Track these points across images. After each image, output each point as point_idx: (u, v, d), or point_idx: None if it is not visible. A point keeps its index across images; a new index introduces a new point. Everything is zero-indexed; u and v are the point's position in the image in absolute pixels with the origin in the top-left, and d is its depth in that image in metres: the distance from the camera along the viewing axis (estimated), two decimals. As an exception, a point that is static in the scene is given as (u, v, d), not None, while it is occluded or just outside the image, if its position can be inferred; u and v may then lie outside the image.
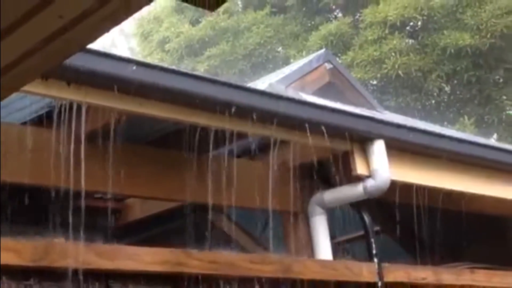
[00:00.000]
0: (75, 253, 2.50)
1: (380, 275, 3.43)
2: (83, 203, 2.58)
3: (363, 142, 3.48)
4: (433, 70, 12.85)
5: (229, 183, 3.12)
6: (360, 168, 3.45)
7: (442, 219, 3.91)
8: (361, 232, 3.78)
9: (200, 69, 13.64)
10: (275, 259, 3.14)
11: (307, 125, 3.15)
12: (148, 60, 12.76)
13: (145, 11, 14.50)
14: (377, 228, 3.96)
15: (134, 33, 16.84)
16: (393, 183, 3.49)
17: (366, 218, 3.63)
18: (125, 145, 2.96)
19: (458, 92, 13.77)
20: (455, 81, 13.42)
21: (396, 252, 4.68)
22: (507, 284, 4.06)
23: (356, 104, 6.40)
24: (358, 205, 3.66)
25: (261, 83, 5.93)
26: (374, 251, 3.53)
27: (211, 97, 2.87)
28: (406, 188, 3.63)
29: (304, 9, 14.77)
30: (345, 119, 3.46)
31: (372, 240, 3.57)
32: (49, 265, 2.49)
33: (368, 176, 3.45)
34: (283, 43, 14.42)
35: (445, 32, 12.85)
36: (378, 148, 3.47)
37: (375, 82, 13.39)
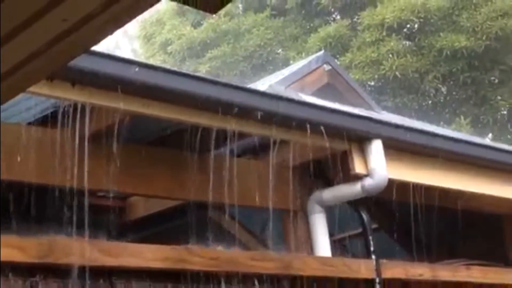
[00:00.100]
0: (79, 250, 2.52)
1: (378, 271, 3.46)
2: (87, 201, 2.62)
3: (361, 141, 3.51)
4: (430, 71, 12.91)
5: (230, 181, 3.16)
6: (358, 167, 3.49)
7: (438, 217, 3.95)
8: (359, 230, 3.83)
9: (202, 71, 13.67)
10: (275, 256, 3.17)
11: (306, 125, 3.18)
12: (151, 61, 12.80)
13: (147, 14, 14.52)
14: (374, 225, 4.01)
15: (137, 35, 16.88)
16: (391, 182, 3.53)
17: (364, 216, 3.67)
18: (128, 144, 2.99)
19: (454, 93, 13.82)
20: (451, 82, 13.47)
21: (393, 249, 4.72)
22: (502, 280, 4.10)
23: (354, 105, 6.45)
24: (356, 203, 3.70)
25: (261, 84, 5.98)
26: (372, 248, 3.57)
27: (212, 97, 2.90)
28: (403, 186, 3.66)
29: (303, 11, 14.81)
30: (343, 119, 3.50)
31: (370, 237, 3.61)
32: (54, 262, 2.51)
33: (366, 175, 3.48)
34: (282, 45, 14.47)
35: (441, 34, 12.91)
36: (376, 147, 3.51)
37: (373, 83, 13.44)
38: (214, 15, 14.15)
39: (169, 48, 14.91)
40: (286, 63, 12.66)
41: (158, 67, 2.93)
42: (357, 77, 12.07)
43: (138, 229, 3.95)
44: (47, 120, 2.88)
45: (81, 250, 2.53)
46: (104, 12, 1.31)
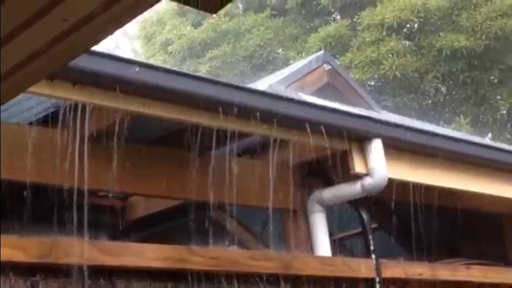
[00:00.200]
0: (80, 250, 2.54)
1: (378, 271, 3.47)
2: (87, 201, 2.63)
3: (361, 141, 3.52)
4: (430, 71, 12.92)
5: (230, 181, 3.17)
6: (358, 166, 3.49)
7: (438, 216, 3.96)
8: (359, 229, 3.84)
9: (202, 70, 13.69)
10: (276, 255, 3.18)
11: (306, 124, 3.19)
12: (151, 61, 12.82)
13: (148, 14, 14.54)
14: (374, 225, 4.01)
15: (138, 35, 16.91)
16: (391, 181, 3.54)
17: (364, 216, 3.68)
18: (129, 144, 3.00)
19: (453, 92, 13.84)
20: (451, 82, 13.49)
21: (393, 248, 4.73)
22: (502, 280, 4.11)
23: (354, 104, 6.46)
24: (356, 203, 3.71)
25: (262, 84, 5.99)
26: (371, 248, 3.58)
27: (212, 97, 2.91)
28: (403, 186, 3.67)
29: (303, 11, 14.83)
30: (343, 119, 3.50)
31: (370, 237, 3.62)
32: (55, 262, 2.52)
33: (366, 175, 3.49)
34: (282, 45, 14.49)
35: (441, 34, 12.93)
36: (376, 147, 3.51)
37: (372, 83, 13.45)
38: (214, 15, 14.18)
39: (169, 48, 14.94)
40: (286, 63, 12.67)
41: (158, 67, 2.94)
42: (357, 77, 12.08)
43: (138, 228, 3.95)
44: (48, 120, 2.89)
45: (82, 249, 2.53)
46: (104, 12, 1.31)
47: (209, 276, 2.89)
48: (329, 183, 3.65)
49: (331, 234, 3.77)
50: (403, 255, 4.45)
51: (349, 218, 4.15)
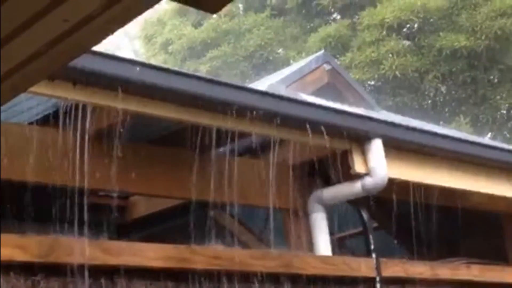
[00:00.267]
0: (81, 249, 2.54)
1: (378, 270, 3.47)
2: (88, 200, 2.63)
3: (361, 141, 3.53)
4: (430, 71, 12.94)
5: (231, 181, 3.17)
6: (358, 166, 3.50)
7: (438, 216, 3.96)
8: (360, 229, 3.85)
9: (202, 70, 13.72)
10: (276, 255, 3.18)
11: (306, 124, 3.19)
12: (152, 61, 12.84)
13: (148, 14, 14.56)
14: (375, 224, 4.02)
15: (138, 36, 16.95)
16: (391, 181, 3.54)
17: (364, 215, 3.69)
18: (129, 144, 3.01)
19: (453, 92, 13.86)
20: (451, 82, 13.50)
21: (393, 247, 4.73)
22: (502, 279, 4.11)
23: (354, 104, 6.46)
24: (356, 202, 3.72)
25: (262, 84, 6.00)
26: (372, 247, 3.59)
27: (213, 97, 2.92)
28: (403, 185, 3.68)
29: (303, 11, 14.85)
30: (343, 119, 3.51)
31: (370, 236, 3.63)
32: (55, 261, 2.52)
33: (366, 174, 3.50)
34: (283, 45, 14.51)
35: (441, 34, 12.94)
36: (376, 146, 3.52)
37: (372, 83, 13.47)
38: (214, 15, 14.21)
39: (169, 48, 14.96)
40: (286, 63, 12.70)
41: (158, 67, 2.94)
42: (357, 76, 12.09)
43: (139, 228, 3.96)
44: (49, 120, 2.90)
45: (83, 249, 2.54)
46: (104, 12, 1.31)
47: (210, 275, 2.90)
48: (329, 182, 3.65)
49: (331, 234, 3.77)
50: (403, 254, 4.45)
51: (349, 218, 4.16)
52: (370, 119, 3.74)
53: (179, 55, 14.75)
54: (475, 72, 13.17)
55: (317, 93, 6.40)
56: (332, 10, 14.83)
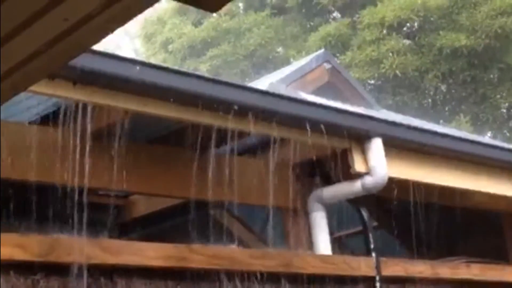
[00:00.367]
0: (81, 248, 2.54)
1: (378, 269, 3.47)
2: (88, 199, 2.63)
3: (361, 140, 3.53)
4: (430, 70, 12.94)
5: (230, 180, 3.17)
6: (358, 165, 3.50)
7: (438, 215, 3.96)
8: (359, 228, 3.85)
9: (203, 69, 13.73)
10: (276, 254, 3.18)
11: (306, 123, 3.19)
12: (152, 60, 12.84)
13: (148, 13, 14.57)
14: (375, 223, 4.02)
15: (138, 34, 16.96)
16: (391, 180, 3.54)
17: (364, 214, 3.69)
18: (129, 143, 3.00)
19: (454, 91, 13.86)
20: (451, 81, 13.51)
21: (393, 247, 4.73)
22: (502, 278, 4.12)
23: (354, 103, 6.46)
24: (356, 201, 3.72)
25: (262, 83, 6.00)
26: (372, 246, 3.59)
27: (213, 96, 2.91)
28: (403, 184, 3.68)
29: (303, 10, 14.85)
30: (343, 118, 3.51)
31: (370, 235, 3.63)
32: (55, 260, 2.52)
33: (366, 173, 3.49)
34: (283, 44, 14.52)
35: (441, 32, 12.94)
36: (376, 145, 3.52)
37: (373, 82, 13.47)
38: (214, 14, 14.22)
39: (170, 47, 14.97)
40: (286, 62, 12.70)
41: (158, 66, 2.94)
42: (357, 75, 12.09)
43: (139, 227, 3.96)
44: (49, 119, 2.89)
45: (82, 248, 2.54)
46: (104, 11, 1.32)
47: (210, 274, 2.90)
48: (329, 181, 3.65)
49: (331, 233, 3.77)
50: (403, 254, 4.45)
51: (349, 217, 4.16)
52: (370, 118, 3.73)
53: (179, 54, 14.75)
54: (475, 71, 13.17)
55: (317, 92, 6.41)
56: (332, 8, 14.83)
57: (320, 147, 3.37)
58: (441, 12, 13.06)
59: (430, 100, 13.98)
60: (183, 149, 3.24)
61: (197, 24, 15.15)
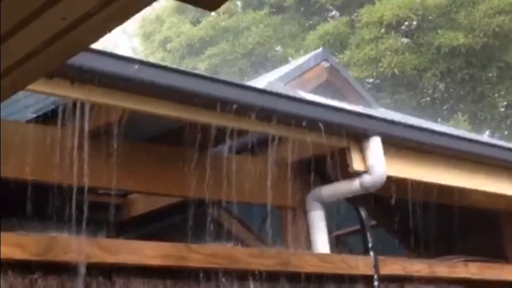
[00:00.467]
0: (79, 247, 2.54)
1: (376, 268, 3.48)
2: (86, 198, 2.63)
3: (360, 138, 3.53)
4: (428, 68, 12.95)
5: (229, 178, 3.17)
6: (356, 164, 3.50)
7: (436, 213, 3.97)
8: (358, 227, 3.85)
9: (201, 68, 13.73)
10: (274, 253, 3.18)
11: (305, 122, 3.19)
12: (150, 59, 12.83)
13: (146, 11, 14.57)
14: (373, 222, 4.02)
15: (137, 33, 16.97)
16: (389, 179, 3.55)
17: (363, 213, 3.69)
18: (128, 142, 3.00)
19: (452, 90, 13.88)
20: (449, 79, 13.52)
21: (391, 246, 4.74)
22: (500, 277, 4.12)
23: (353, 102, 6.47)
24: (354, 200, 3.72)
25: (260, 82, 6.00)
26: (370, 245, 3.59)
27: (211, 95, 2.91)
28: (401, 183, 3.68)
29: (301, 9, 14.85)
30: (342, 117, 3.51)
31: (368, 234, 3.63)
32: (54, 259, 2.52)
33: (365, 172, 3.49)
34: (281, 42, 14.53)
35: (439, 31, 12.95)
36: (374, 144, 3.52)
37: (371, 80, 13.48)
38: (213, 13, 14.22)
39: (168, 46, 14.97)
40: (285, 61, 12.70)
41: (157, 65, 2.94)
42: (355, 74, 12.10)
43: (137, 226, 3.96)
44: (47, 118, 2.89)
45: (80, 247, 2.53)
46: (102, 10, 1.32)
47: (208, 273, 2.90)
48: (327, 180, 3.65)
49: (329, 232, 3.77)
50: (401, 253, 4.46)
51: (347, 216, 4.16)
52: (369, 116, 3.73)
53: (177, 52, 14.75)
54: (473, 70, 13.19)
55: (316, 90, 6.41)
56: (331, 7, 14.84)
57: (319, 145, 3.37)
58: (439, 11, 13.07)
59: (428, 98, 13.99)
60: (182, 148, 3.23)
61: (195, 22, 15.15)
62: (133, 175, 3.17)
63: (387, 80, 13.09)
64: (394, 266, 3.63)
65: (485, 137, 11.12)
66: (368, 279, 3.46)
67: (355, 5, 14.00)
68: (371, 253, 3.56)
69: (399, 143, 3.72)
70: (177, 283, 2.82)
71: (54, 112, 2.81)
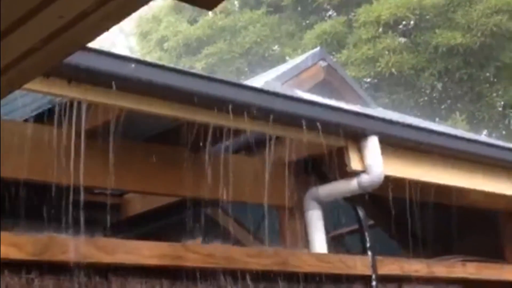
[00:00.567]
0: (75, 247, 2.54)
1: (374, 268, 3.48)
2: (83, 198, 2.62)
3: (358, 138, 3.52)
4: (426, 68, 12.97)
5: (226, 178, 3.17)
6: (354, 163, 3.50)
7: (434, 213, 3.97)
8: (355, 226, 3.84)
9: (198, 67, 13.73)
10: (272, 252, 3.18)
11: (302, 121, 3.19)
12: (147, 58, 12.82)
13: (143, 10, 14.57)
14: (371, 222, 4.02)
15: (133, 32, 16.96)
16: (387, 178, 3.54)
17: (360, 212, 3.68)
18: (125, 141, 3.00)
19: (450, 89, 13.89)
20: (447, 79, 13.53)
21: (389, 245, 4.73)
22: (498, 276, 4.12)
23: (350, 101, 6.46)
24: (352, 200, 3.71)
25: (258, 81, 5.99)
26: (368, 245, 3.59)
27: (208, 94, 2.91)
28: (399, 183, 3.68)
29: (299, 8, 14.86)
30: (339, 116, 3.50)
31: (366, 233, 3.63)
32: (50, 259, 2.52)
33: (362, 171, 3.49)
34: (279, 42, 14.53)
35: (437, 31, 12.96)
36: (372, 144, 3.52)
37: (369, 80, 13.49)
38: (210, 12, 14.20)
39: (165, 45, 14.96)
40: (282, 60, 12.70)
41: (154, 64, 2.94)
42: (353, 74, 12.10)
43: (134, 226, 3.95)
44: (43, 117, 2.88)
45: (77, 247, 2.53)
46: (99, 9, 1.32)
47: (205, 273, 2.89)
48: (325, 180, 3.65)
49: (327, 231, 3.77)
50: (399, 252, 4.45)
51: (345, 215, 4.16)
52: (366, 116, 3.73)
53: (174, 52, 14.75)
54: (471, 69, 13.20)
55: (313, 90, 6.41)
56: (328, 7, 14.84)
57: (316, 145, 3.36)
58: (437, 10, 13.08)
59: (426, 98, 14.00)
60: (179, 147, 3.23)
61: (192, 22, 15.14)
62: (130, 175, 3.17)
63: (384, 80, 13.10)
64: (392, 266, 3.63)
65: (483, 136, 11.13)
66: (366, 279, 3.46)
67: (352, 5, 14.01)
68: (369, 253, 3.56)
69: (397, 143, 3.72)
70: (174, 282, 2.82)
71: (50, 111, 2.80)
